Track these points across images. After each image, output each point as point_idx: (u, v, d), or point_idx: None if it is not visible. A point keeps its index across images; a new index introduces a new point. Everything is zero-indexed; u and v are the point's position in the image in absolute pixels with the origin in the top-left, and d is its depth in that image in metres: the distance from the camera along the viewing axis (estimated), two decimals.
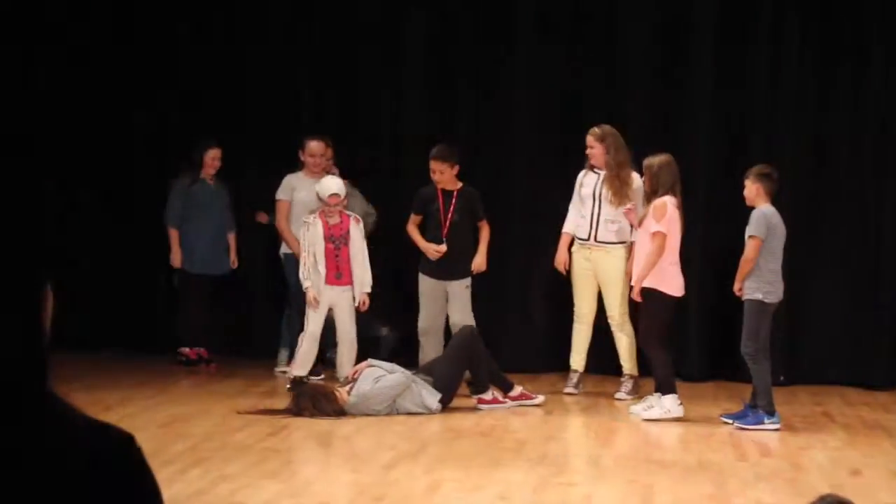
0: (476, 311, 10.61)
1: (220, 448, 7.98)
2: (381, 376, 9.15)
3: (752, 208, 9.20)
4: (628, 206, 9.93)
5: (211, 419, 8.82)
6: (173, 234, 11.11)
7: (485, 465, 7.49)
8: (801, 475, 7.45)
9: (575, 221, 10.27)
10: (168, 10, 11.71)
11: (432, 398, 9.19)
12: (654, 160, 9.47)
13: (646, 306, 9.42)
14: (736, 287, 9.14)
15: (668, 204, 9.35)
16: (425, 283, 10.25)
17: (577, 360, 10.31)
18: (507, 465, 7.57)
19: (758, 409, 9.01)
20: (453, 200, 10.26)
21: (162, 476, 6.48)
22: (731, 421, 9.07)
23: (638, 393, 10.02)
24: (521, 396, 9.71)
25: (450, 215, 10.23)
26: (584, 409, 9.68)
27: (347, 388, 9.18)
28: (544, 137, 11.35)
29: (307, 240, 9.85)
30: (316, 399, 8.95)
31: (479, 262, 10.29)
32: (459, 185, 10.31)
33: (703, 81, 11.12)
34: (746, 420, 9.02)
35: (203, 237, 11.09)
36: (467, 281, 10.24)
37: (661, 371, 9.43)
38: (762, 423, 8.95)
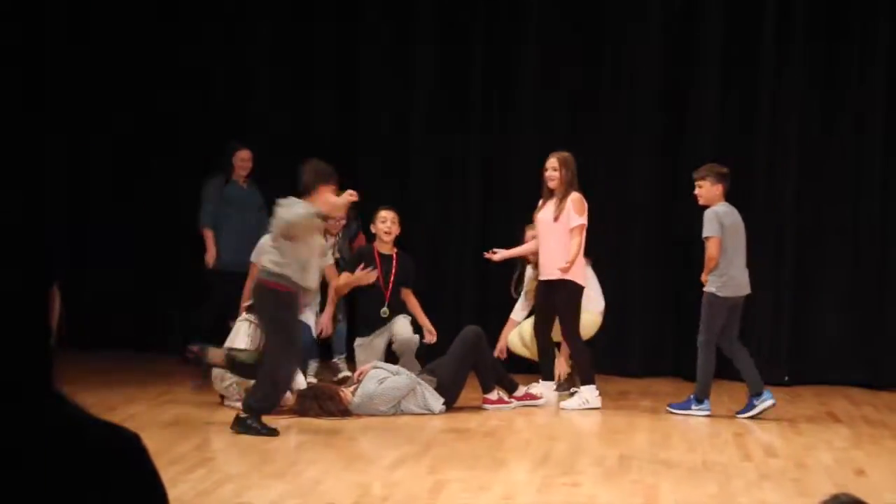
0: (482, 313, 10.60)
1: (225, 448, 7.98)
2: (385, 378, 9.16)
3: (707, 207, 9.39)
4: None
5: (215, 419, 8.82)
6: (208, 235, 11.07)
7: (489, 466, 7.49)
8: (805, 475, 7.45)
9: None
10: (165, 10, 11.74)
11: (436, 402, 9.20)
12: (566, 155, 9.65)
13: (567, 299, 9.57)
14: (703, 279, 9.45)
15: (583, 197, 9.57)
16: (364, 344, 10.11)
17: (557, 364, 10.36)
18: (512, 466, 7.57)
19: (758, 396, 9.35)
20: (394, 265, 10.16)
21: (167, 476, 6.47)
22: (675, 411, 9.48)
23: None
24: (525, 397, 9.71)
25: (392, 280, 10.11)
26: (587, 409, 9.67)
27: (352, 388, 9.19)
28: (549, 138, 11.36)
29: None
30: (321, 399, 8.95)
31: (431, 332, 10.13)
32: (396, 250, 10.24)
33: (710, 81, 11.12)
34: (679, 405, 9.46)
35: (232, 236, 10.99)
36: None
37: (585, 361, 9.64)
38: (689, 409, 9.36)
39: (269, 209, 11.11)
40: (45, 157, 11.48)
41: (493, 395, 9.57)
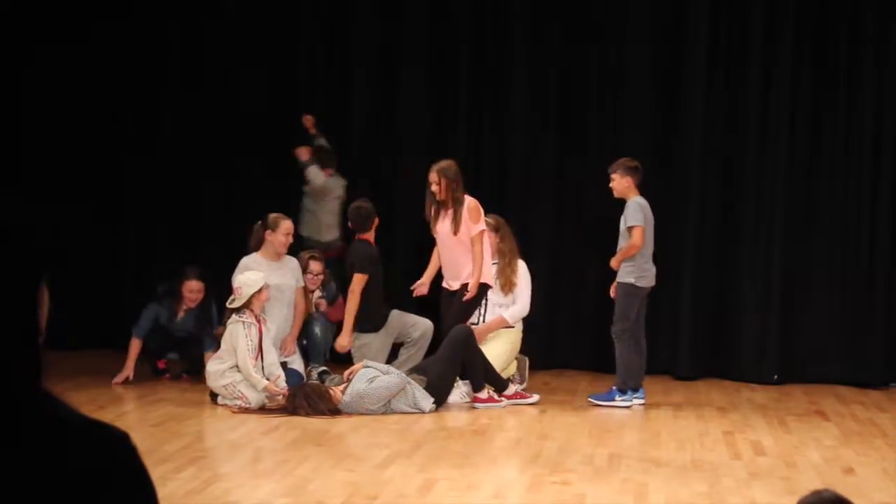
0: None
1: (215, 447, 7.98)
2: (375, 377, 9.16)
3: (624, 200, 9.55)
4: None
5: (205, 418, 8.82)
6: (134, 343, 10.12)
7: (479, 464, 7.49)
8: (794, 474, 7.46)
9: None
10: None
11: (426, 401, 9.20)
12: (443, 165, 9.77)
13: (470, 302, 9.68)
14: (613, 264, 9.55)
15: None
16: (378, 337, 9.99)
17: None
18: (502, 464, 7.57)
19: (635, 391, 9.62)
20: None
21: (156, 475, 6.47)
22: (597, 402, 9.63)
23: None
24: (515, 395, 9.72)
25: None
26: (578, 408, 9.69)
27: (342, 387, 9.19)
28: (538, 139, 11.37)
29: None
30: (311, 398, 8.95)
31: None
32: None
33: (699, 84, 11.12)
34: (601, 396, 9.64)
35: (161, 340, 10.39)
36: None
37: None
38: (614, 399, 9.57)
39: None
40: (32, 155, 11.48)
41: (484, 394, 9.58)
